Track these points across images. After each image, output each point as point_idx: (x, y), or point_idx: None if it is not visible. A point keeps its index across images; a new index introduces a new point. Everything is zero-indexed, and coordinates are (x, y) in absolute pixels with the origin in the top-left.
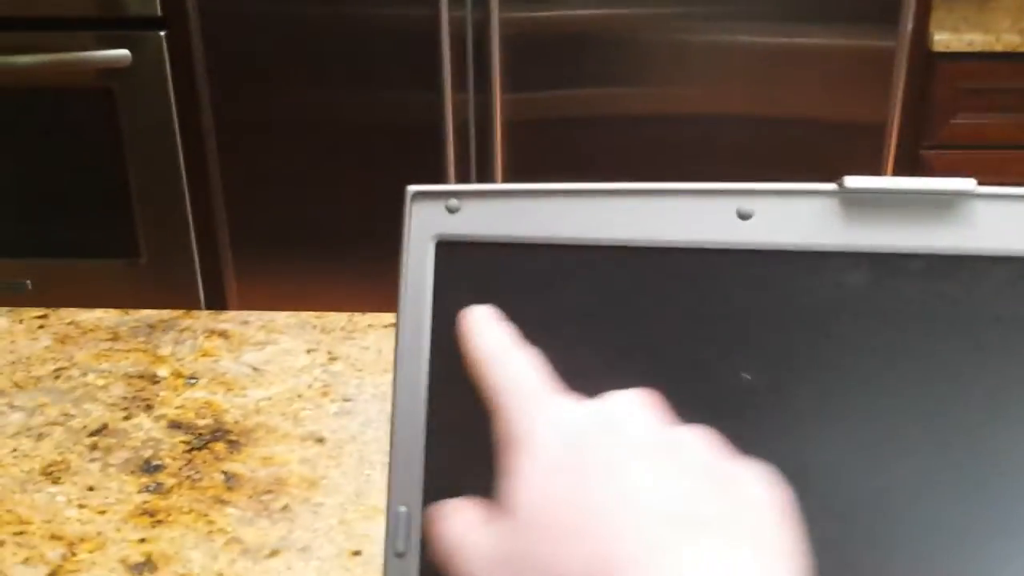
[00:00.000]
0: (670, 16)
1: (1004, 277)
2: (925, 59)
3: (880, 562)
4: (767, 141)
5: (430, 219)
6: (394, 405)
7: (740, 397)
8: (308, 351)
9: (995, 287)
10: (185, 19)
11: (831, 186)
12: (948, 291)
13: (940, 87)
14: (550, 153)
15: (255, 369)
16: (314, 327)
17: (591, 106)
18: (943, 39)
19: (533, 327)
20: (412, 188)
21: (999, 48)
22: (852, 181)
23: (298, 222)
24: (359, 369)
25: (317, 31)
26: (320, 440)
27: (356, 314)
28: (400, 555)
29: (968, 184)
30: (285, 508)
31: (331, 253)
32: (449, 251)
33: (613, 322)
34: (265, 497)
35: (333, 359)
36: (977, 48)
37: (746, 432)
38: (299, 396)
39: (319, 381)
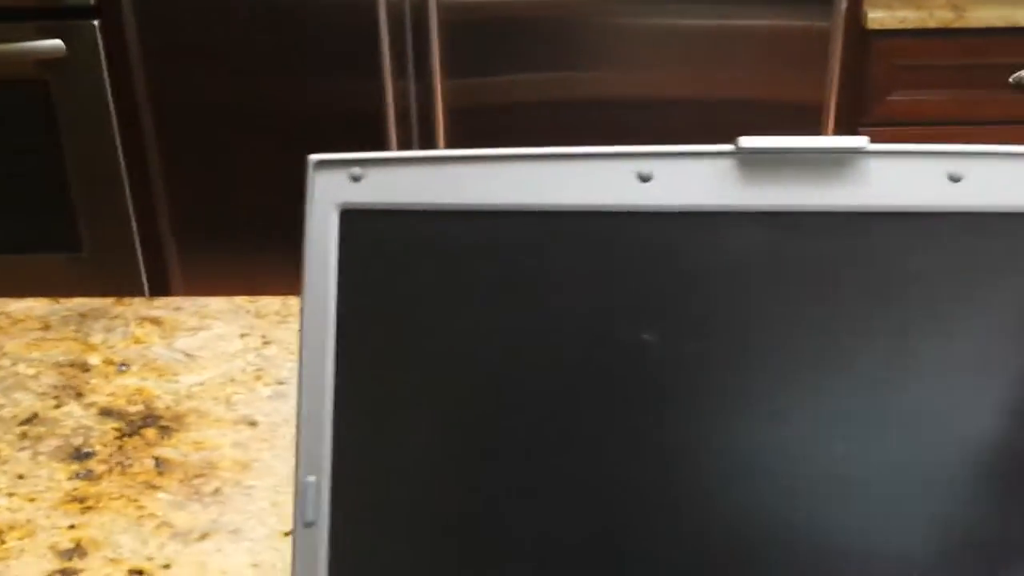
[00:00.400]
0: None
1: (899, 231)
2: (860, 37)
3: (783, 513)
4: (708, 123)
5: (333, 188)
6: (301, 376)
7: (642, 358)
8: (242, 336)
9: (890, 241)
10: (119, 8)
11: (728, 147)
12: (844, 246)
13: (876, 65)
14: (493, 139)
15: (187, 355)
16: (248, 312)
17: (533, 91)
18: (877, 17)
19: (437, 292)
20: (314, 157)
21: (932, 24)
22: (747, 141)
23: (240, 211)
24: (293, 352)
25: (254, 18)
26: (253, 423)
27: (290, 298)
28: (309, 524)
29: (861, 141)
30: (216, 491)
31: (274, 241)
32: (353, 219)
33: (517, 285)
34: (196, 481)
35: (267, 343)
36: (911, 25)
37: (648, 392)
38: (232, 380)
39: (252, 365)
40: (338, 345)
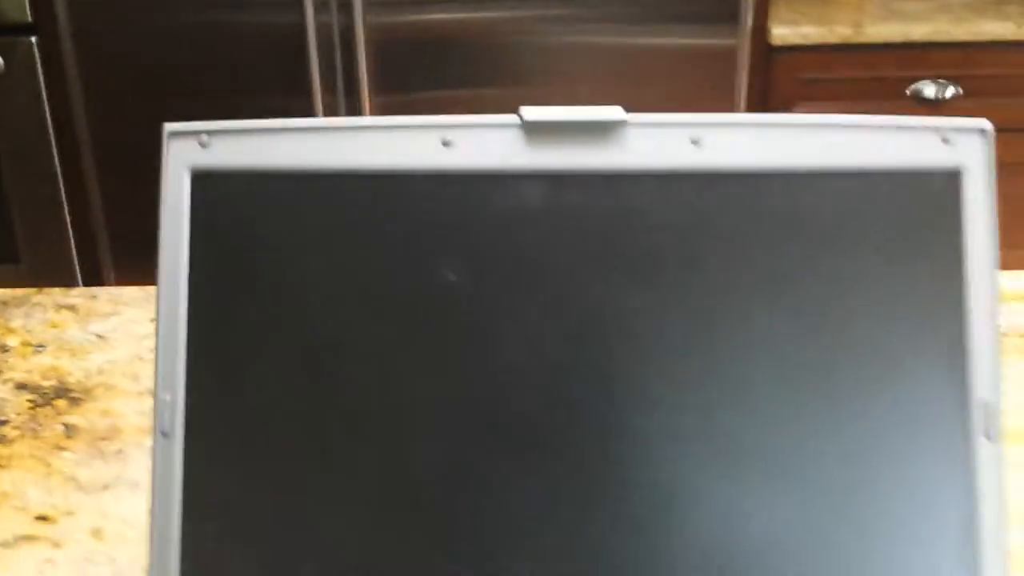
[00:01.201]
0: (528, 19)
1: (651, 187)
2: (766, 53)
3: (550, 430)
4: None
5: (185, 153)
6: (158, 310)
7: (447, 294)
8: (152, 320)
9: (644, 196)
10: (56, 25)
11: (514, 118)
12: (609, 201)
13: (781, 79)
14: None
15: (100, 337)
16: None
17: (457, 107)
18: (781, 33)
19: (273, 240)
20: (168, 126)
21: (833, 40)
22: (528, 113)
23: None
24: None
25: (187, 37)
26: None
27: None
28: (166, 435)
29: (620, 113)
30: (119, 452)
31: None
32: (202, 180)
33: (341, 233)
34: (101, 443)
35: None
36: (813, 41)
37: (453, 323)
38: (140, 359)
39: None
40: (190, 284)
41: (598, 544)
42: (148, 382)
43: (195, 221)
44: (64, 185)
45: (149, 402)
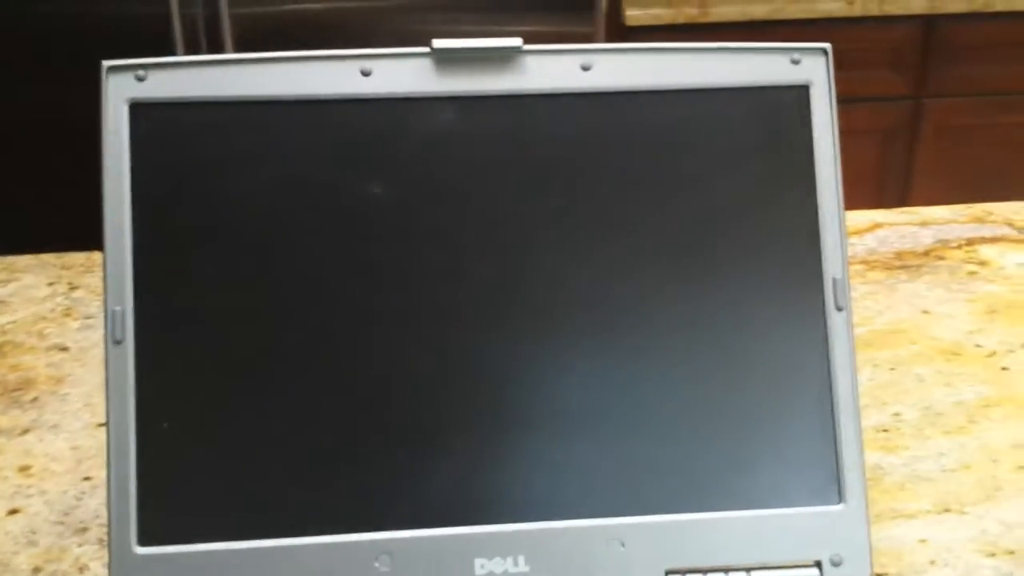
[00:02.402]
0: (387, 9)
1: (546, 108)
2: (620, 34)
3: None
4: None
5: (122, 87)
6: (104, 233)
7: (369, 208)
8: (49, 284)
9: (540, 115)
10: None
11: (426, 49)
12: (509, 120)
13: None
14: None
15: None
16: (55, 265)
17: None
18: (634, 15)
19: (208, 163)
20: (105, 63)
21: (682, 20)
22: (438, 43)
23: (28, 220)
24: (99, 294)
25: (49, 28)
26: (64, 349)
27: (95, 253)
28: (118, 342)
29: (517, 42)
30: (35, 400)
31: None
32: (140, 112)
33: (268, 155)
34: (15, 393)
35: (74, 288)
36: (664, 21)
37: (374, 235)
38: (43, 318)
39: (61, 306)
40: (133, 206)
41: (503, 417)
42: (55, 338)
43: (134, 148)
44: None
45: (58, 356)
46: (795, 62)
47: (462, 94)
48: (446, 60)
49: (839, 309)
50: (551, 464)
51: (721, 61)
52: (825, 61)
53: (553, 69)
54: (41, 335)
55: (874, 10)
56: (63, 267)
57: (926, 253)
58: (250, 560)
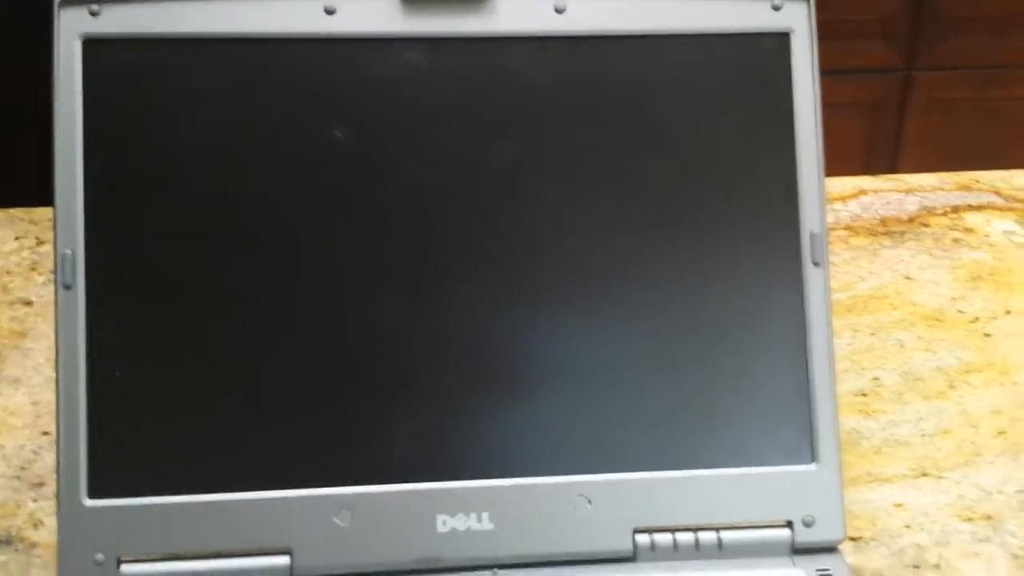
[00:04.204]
0: None
1: (518, 51)
2: None
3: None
4: None
5: (75, 22)
6: (55, 173)
7: (334, 151)
8: (16, 238)
9: (512, 58)
10: None
11: None
12: (478, 63)
13: None
14: None
15: None
16: (22, 220)
17: None
18: None
19: (161, 100)
20: None
21: None
22: None
23: None
24: None
25: None
26: (28, 303)
27: None
28: (68, 287)
29: None
30: None
31: None
32: (93, 48)
33: (228, 94)
34: None
35: (41, 243)
36: None
37: (337, 178)
38: (7, 272)
39: (27, 260)
40: (85, 146)
41: (467, 371)
42: (19, 292)
43: (88, 87)
44: None
45: (22, 310)
46: (776, 8)
47: (430, 35)
48: (415, 0)
49: (816, 264)
50: (516, 420)
51: (699, 5)
52: (807, 8)
53: (525, 11)
54: (5, 289)
55: None
56: (31, 222)
57: (911, 220)
58: (204, 514)
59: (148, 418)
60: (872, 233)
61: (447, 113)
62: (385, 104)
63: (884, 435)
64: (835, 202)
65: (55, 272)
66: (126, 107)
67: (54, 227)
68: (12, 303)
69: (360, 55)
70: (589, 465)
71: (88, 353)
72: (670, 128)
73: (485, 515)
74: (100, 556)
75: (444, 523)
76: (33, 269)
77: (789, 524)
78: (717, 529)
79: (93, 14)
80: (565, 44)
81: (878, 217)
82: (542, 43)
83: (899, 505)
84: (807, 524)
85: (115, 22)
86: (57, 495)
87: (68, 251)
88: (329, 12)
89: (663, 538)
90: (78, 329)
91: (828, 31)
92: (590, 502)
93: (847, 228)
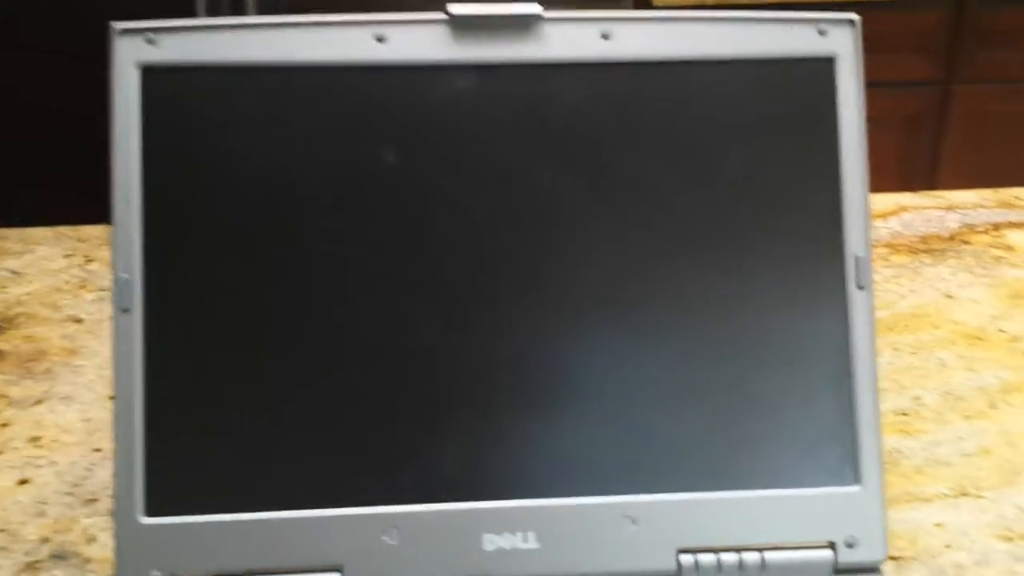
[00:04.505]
0: None
1: (566, 77)
2: None
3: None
4: None
5: (132, 50)
6: (113, 200)
7: (385, 175)
8: (65, 256)
9: (560, 84)
10: None
11: (442, 15)
12: (528, 89)
13: None
14: None
15: (14, 272)
16: (70, 238)
17: None
18: None
19: (222, 128)
20: (115, 24)
21: (710, 2)
22: (455, 8)
23: (45, 193)
24: None
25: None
26: (79, 321)
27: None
28: (126, 311)
29: (537, 9)
30: (48, 370)
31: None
32: (151, 76)
33: (284, 120)
34: (29, 364)
35: (90, 261)
36: (692, 1)
37: (389, 203)
38: (58, 290)
39: (76, 278)
40: (143, 171)
41: (515, 392)
42: (69, 310)
43: (145, 114)
44: None
45: (72, 328)
46: (822, 33)
47: (478, 62)
48: (463, 26)
49: (860, 288)
50: (562, 440)
51: (745, 31)
52: (853, 32)
53: (572, 37)
54: (56, 307)
55: None
56: (79, 239)
57: (951, 237)
58: (257, 532)
59: (202, 438)
60: (913, 251)
61: (495, 138)
62: (434, 129)
63: (925, 455)
64: (876, 219)
65: (113, 295)
66: (182, 133)
67: (112, 251)
68: (63, 321)
69: (410, 81)
70: (634, 486)
71: (144, 374)
72: (715, 152)
73: (531, 534)
74: (156, 573)
75: (490, 542)
76: (82, 287)
77: (832, 545)
78: (761, 550)
79: (150, 42)
80: (611, 70)
81: (919, 235)
82: (589, 69)
83: (939, 525)
84: (850, 545)
85: (172, 50)
86: (114, 513)
87: (125, 275)
88: (380, 40)
89: (707, 558)
90: (135, 351)
91: (866, 44)
92: (635, 522)
93: (888, 246)
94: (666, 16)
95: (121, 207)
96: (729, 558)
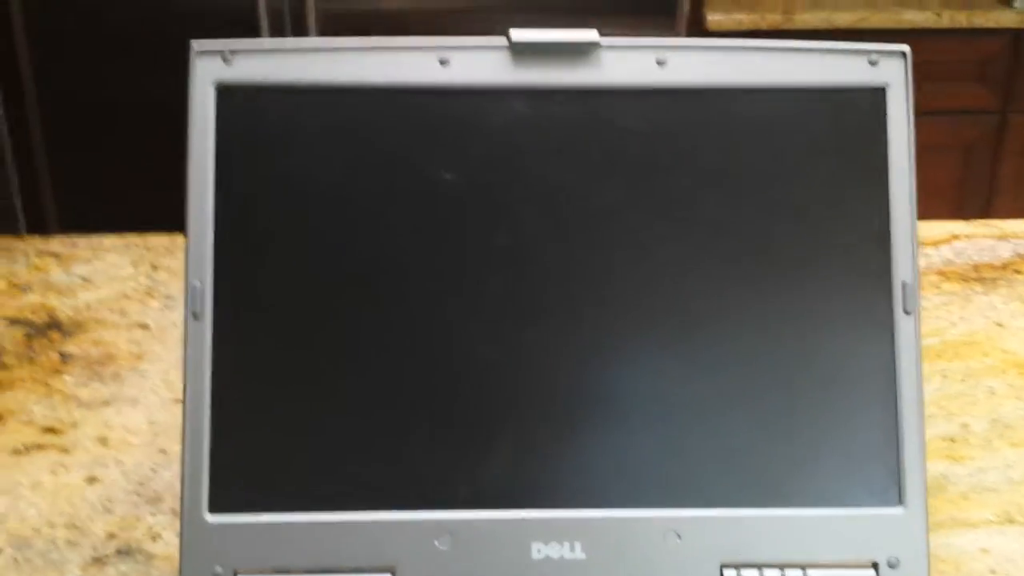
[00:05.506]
0: (472, 9)
1: (622, 102)
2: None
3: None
4: None
5: (210, 69)
6: (187, 211)
7: (445, 194)
8: (133, 264)
9: (616, 108)
10: None
11: (503, 39)
12: (586, 113)
13: None
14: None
15: (84, 279)
16: (138, 246)
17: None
18: (716, 19)
19: (293, 146)
20: (195, 43)
21: (764, 26)
22: (517, 35)
23: (125, 187)
24: (180, 276)
25: (137, 16)
26: (145, 327)
27: (177, 236)
28: (197, 316)
29: (594, 36)
30: (115, 375)
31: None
32: (226, 95)
33: (351, 139)
34: (97, 367)
35: (156, 269)
36: (746, 27)
37: (449, 219)
38: (125, 296)
39: (143, 285)
40: (216, 185)
41: (566, 404)
42: (136, 316)
43: (220, 130)
44: (8, 129)
45: (139, 333)
46: (873, 63)
47: (537, 86)
48: (523, 52)
49: (907, 313)
50: (612, 452)
51: (797, 60)
52: (903, 63)
53: (628, 63)
54: (123, 313)
55: (962, 22)
56: (146, 248)
57: (1004, 266)
58: (314, 531)
59: (267, 441)
60: (964, 279)
61: (552, 160)
62: (494, 150)
63: (971, 481)
64: (928, 247)
65: (185, 302)
66: (254, 149)
67: (185, 260)
68: (130, 327)
69: (471, 104)
70: (680, 500)
71: (213, 378)
72: (765, 178)
73: (578, 544)
74: (219, 569)
75: (539, 551)
76: (149, 294)
77: (874, 565)
78: (803, 567)
79: (226, 61)
80: (666, 95)
81: (971, 263)
82: (644, 94)
83: (985, 551)
84: (892, 566)
85: (246, 70)
86: (180, 510)
87: (198, 283)
88: (443, 63)
89: (750, 574)
90: (205, 356)
91: (924, 72)
92: (679, 536)
93: (939, 273)
94: (720, 44)
95: (195, 220)
96: (771, 574)
